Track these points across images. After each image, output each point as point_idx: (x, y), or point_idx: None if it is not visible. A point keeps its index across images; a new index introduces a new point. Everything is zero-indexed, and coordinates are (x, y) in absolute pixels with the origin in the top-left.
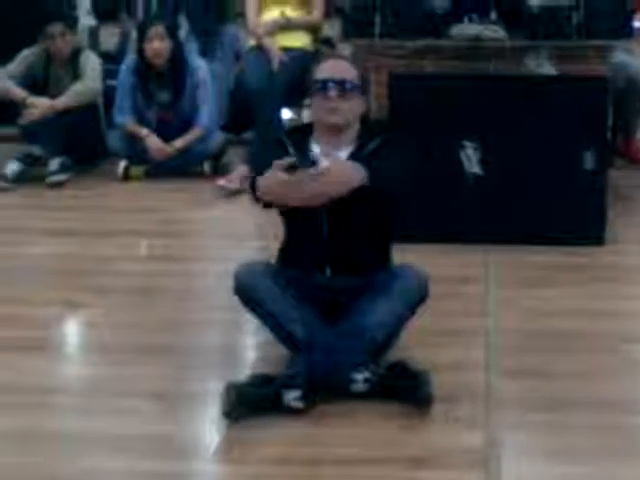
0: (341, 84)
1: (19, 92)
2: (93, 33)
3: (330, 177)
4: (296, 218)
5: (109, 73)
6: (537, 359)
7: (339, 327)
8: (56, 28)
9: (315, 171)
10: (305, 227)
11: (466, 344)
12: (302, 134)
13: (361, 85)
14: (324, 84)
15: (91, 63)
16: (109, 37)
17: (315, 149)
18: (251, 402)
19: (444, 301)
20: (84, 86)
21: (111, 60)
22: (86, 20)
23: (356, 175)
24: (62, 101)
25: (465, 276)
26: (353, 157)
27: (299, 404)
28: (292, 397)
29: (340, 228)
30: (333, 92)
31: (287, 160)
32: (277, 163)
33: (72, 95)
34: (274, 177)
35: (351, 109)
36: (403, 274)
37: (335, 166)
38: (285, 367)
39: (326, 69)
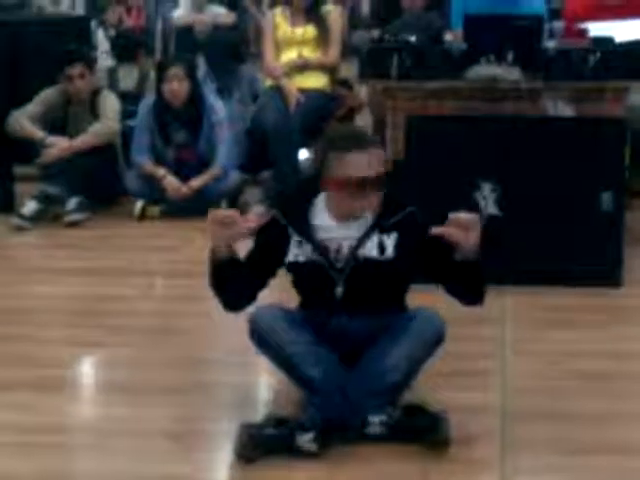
0: (379, 180)
1: (38, 132)
2: (112, 73)
3: None
4: (308, 283)
5: (127, 113)
6: (554, 402)
7: (355, 370)
8: (75, 69)
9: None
10: (315, 287)
11: (482, 386)
12: (299, 202)
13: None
14: (362, 183)
15: (110, 103)
16: (127, 77)
17: (321, 220)
18: (264, 444)
19: (460, 343)
20: (103, 126)
21: (129, 100)
22: (105, 60)
23: None
24: (81, 141)
25: (481, 317)
26: (373, 229)
27: (313, 447)
28: (306, 439)
29: (356, 292)
30: (370, 190)
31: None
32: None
33: (91, 135)
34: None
35: (378, 197)
36: (419, 317)
37: None
38: (300, 409)
39: (362, 164)
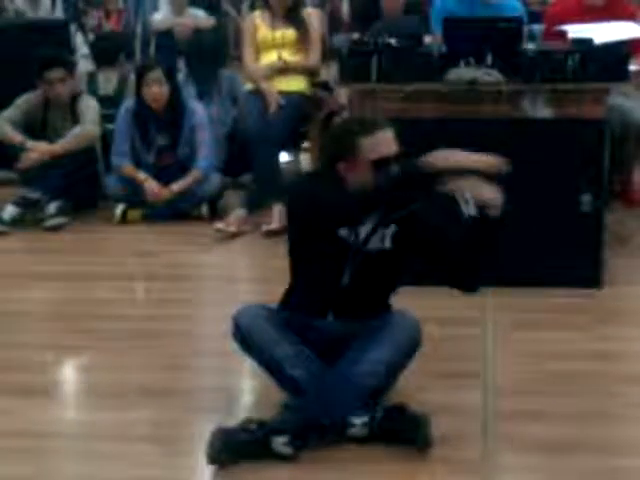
0: (397, 157)
1: (17, 136)
2: (91, 77)
3: None
4: (317, 264)
5: (107, 117)
6: (536, 402)
7: (330, 374)
8: (56, 73)
9: None
10: (323, 274)
11: (465, 386)
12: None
13: None
14: (387, 162)
15: (89, 108)
16: (107, 81)
17: None
18: (238, 447)
19: (442, 344)
20: (83, 130)
21: (110, 104)
22: (84, 65)
23: None
24: (60, 145)
25: (462, 318)
26: (380, 223)
27: (288, 450)
28: (281, 442)
29: (360, 281)
30: (395, 168)
31: None
32: None
33: (70, 139)
34: None
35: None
36: (396, 322)
37: None
38: (276, 413)
39: (384, 144)
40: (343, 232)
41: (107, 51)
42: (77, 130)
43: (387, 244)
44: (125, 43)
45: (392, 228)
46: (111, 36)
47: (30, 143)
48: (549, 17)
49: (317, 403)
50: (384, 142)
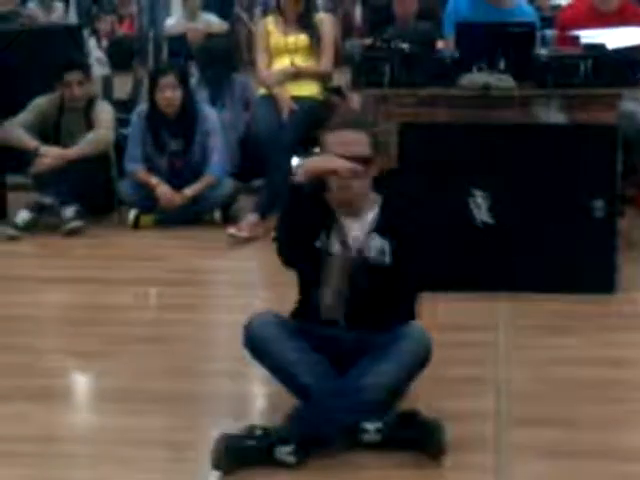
0: (355, 161)
1: (31, 141)
2: (107, 81)
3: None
4: (318, 275)
5: (122, 122)
6: (549, 408)
7: (338, 385)
8: (74, 76)
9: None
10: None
11: (477, 392)
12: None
13: (374, 146)
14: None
15: (104, 112)
16: (122, 85)
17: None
18: (242, 455)
19: (455, 349)
20: (97, 136)
21: (123, 108)
22: (97, 69)
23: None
24: (74, 151)
25: (475, 324)
26: (378, 227)
27: (291, 459)
28: (284, 451)
29: (368, 290)
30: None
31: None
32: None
33: (85, 145)
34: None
35: (363, 184)
36: (407, 337)
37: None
38: (283, 421)
39: (338, 144)
40: (319, 243)
41: (122, 55)
42: (91, 136)
43: (387, 260)
44: (140, 48)
45: (390, 241)
46: (125, 41)
47: (43, 148)
48: (560, 22)
49: (322, 413)
50: (342, 142)
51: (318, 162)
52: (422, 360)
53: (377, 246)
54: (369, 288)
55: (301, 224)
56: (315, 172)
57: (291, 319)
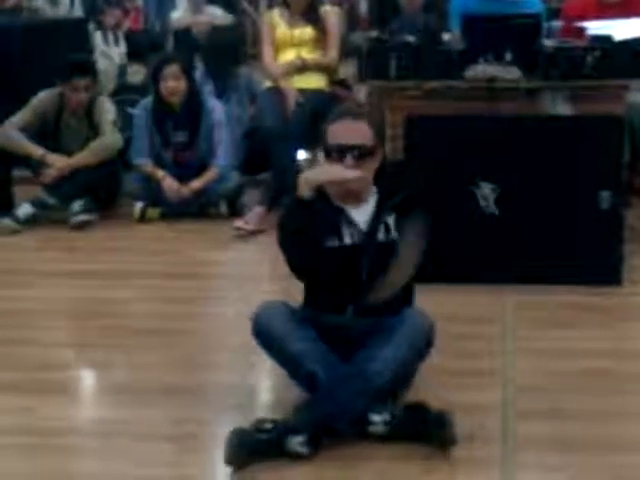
0: (357, 150)
1: (35, 149)
2: (122, 69)
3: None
4: (334, 263)
5: (133, 102)
6: (556, 400)
7: (344, 371)
8: (83, 82)
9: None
10: (342, 271)
11: (484, 384)
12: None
13: (378, 138)
14: (340, 151)
15: (107, 113)
16: (135, 73)
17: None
18: (255, 449)
19: (461, 341)
20: (102, 143)
21: (135, 91)
22: (103, 63)
23: None
24: (80, 159)
25: (481, 316)
26: (376, 216)
27: (304, 450)
28: (296, 442)
29: (378, 275)
30: (350, 160)
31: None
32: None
33: (90, 155)
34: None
35: (367, 173)
36: (409, 320)
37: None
38: (292, 412)
39: (341, 133)
40: (330, 243)
41: (138, 48)
42: (97, 143)
43: (394, 234)
44: (156, 41)
45: (393, 216)
46: (141, 35)
47: (50, 157)
48: (566, 13)
49: (330, 401)
50: (344, 130)
51: (319, 174)
52: (426, 341)
53: (382, 225)
54: (383, 272)
55: (311, 230)
56: (318, 183)
57: (301, 308)
